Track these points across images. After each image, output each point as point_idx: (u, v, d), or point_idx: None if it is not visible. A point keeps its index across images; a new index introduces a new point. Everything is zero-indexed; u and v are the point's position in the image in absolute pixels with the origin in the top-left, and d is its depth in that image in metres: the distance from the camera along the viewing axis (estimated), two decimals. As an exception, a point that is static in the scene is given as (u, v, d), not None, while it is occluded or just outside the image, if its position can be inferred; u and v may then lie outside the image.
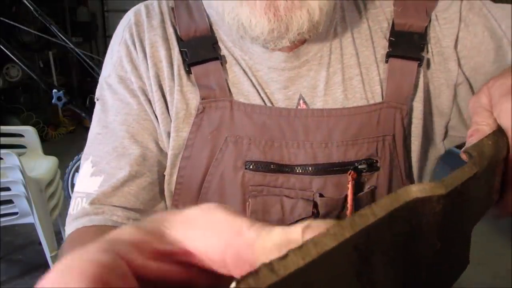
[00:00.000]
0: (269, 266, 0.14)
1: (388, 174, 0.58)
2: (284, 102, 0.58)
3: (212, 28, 0.59)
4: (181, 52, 0.58)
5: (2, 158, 1.77)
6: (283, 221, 0.56)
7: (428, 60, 0.59)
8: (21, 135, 2.21)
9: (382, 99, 0.58)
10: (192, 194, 0.58)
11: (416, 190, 0.19)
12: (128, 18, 0.61)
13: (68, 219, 0.54)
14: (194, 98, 0.57)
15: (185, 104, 0.57)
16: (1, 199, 1.81)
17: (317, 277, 0.15)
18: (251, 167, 0.55)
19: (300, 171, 0.55)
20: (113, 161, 0.56)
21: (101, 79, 0.61)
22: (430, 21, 0.59)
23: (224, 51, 0.58)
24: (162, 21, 0.59)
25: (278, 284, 0.14)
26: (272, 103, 0.57)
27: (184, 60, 0.57)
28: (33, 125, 2.71)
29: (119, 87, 0.58)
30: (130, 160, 0.55)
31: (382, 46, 0.59)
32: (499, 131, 0.34)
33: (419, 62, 0.57)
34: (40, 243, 1.97)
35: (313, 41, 0.58)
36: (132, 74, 0.58)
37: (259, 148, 0.55)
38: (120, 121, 0.57)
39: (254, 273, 0.14)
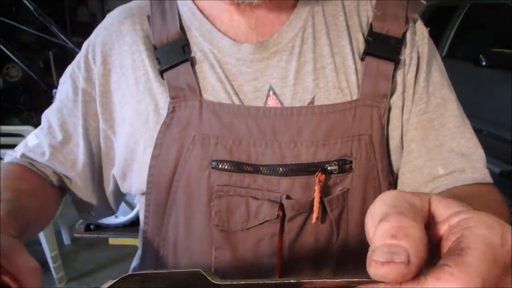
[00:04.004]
0: None
1: (364, 176, 0.56)
2: (254, 94, 0.56)
3: (184, 28, 0.59)
4: (154, 59, 0.59)
5: (2, 158, 1.76)
6: (247, 223, 0.54)
7: (405, 61, 0.59)
8: (21, 135, 2.21)
9: (358, 89, 0.57)
10: (162, 193, 0.58)
11: None
12: (103, 23, 0.64)
13: (17, 148, 0.68)
14: (162, 99, 0.57)
15: (154, 105, 0.58)
16: (1, 199, 1.80)
17: None
18: (217, 166, 0.54)
19: (267, 171, 0.54)
20: (44, 135, 0.66)
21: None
22: (408, 27, 0.59)
23: (193, 48, 0.59)
24: (133, 23, 0.61)
25: None
26: (239, 96, 0.56)
27: (157, 66, 0.58)
28: (33, 125, 2.71)
29: (68, 80, 0.65)
30: (52, 142, 0.65)
31: (360, 42, 0.59)
32: None
33: (395, 63, 0.57)
34: (40, 243, 1.97)
35: (284, 31, 0.58)
36: (82, 75, 0.62)
37: (226, 148, 0.54)
38: (57, 107, 0.66)
39: None
